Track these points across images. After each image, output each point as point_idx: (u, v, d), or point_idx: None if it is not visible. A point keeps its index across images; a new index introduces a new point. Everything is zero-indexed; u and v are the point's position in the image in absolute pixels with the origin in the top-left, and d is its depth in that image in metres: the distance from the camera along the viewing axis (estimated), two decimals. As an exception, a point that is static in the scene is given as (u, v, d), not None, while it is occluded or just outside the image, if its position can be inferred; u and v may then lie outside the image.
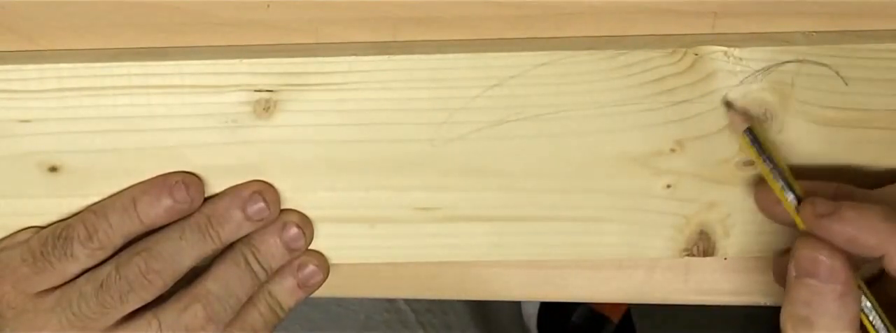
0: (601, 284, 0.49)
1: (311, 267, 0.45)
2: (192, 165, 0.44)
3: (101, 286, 0.42)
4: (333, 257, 0.46)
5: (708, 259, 0.46)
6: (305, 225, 0.45)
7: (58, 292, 0.42)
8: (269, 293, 0.45)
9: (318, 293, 0.46)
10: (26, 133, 0.43)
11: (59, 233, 0.43)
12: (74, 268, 0.42)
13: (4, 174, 0.43)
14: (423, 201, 0.45)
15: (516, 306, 0.89)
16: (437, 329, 0.70)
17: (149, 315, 0.43)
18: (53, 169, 0.43)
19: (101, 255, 0.42)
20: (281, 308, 0.45)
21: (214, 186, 0.44)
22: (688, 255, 0.46)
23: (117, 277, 0.42)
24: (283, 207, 0.45)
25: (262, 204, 0.43)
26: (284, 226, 0.44)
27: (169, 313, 0.43)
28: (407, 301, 0.69)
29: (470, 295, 0.49)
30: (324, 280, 0.45)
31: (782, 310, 0.39)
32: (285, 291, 0.45)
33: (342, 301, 0.65)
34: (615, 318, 1.04)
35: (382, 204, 0.45)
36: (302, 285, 0.45)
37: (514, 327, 0.84)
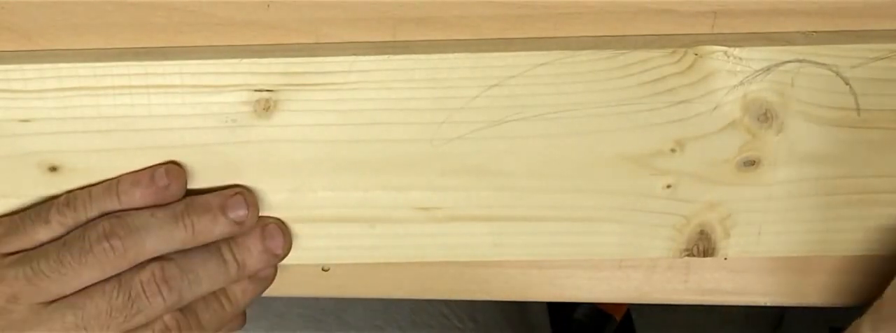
0: (601, 284, 0.49)
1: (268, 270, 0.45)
2: (191, 165, 0.44)
3: (64, 244, 0.42)
4: (333, 257, 0.46)
5: (708, 259, 0.46)
6: (286, 232, 0.45)
7: (22, 253, 0.43)
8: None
9: (318, 293, 0.46)
10: (26, 133, 0.43)
11: (41, 204, 0.44)
12: (44, 235, 0.43)
13: (4, 174, 0.43)
14: (423, 201, 0.45)
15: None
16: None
17: (113, 281, 0.43)
18: (53, 169, 0.43)
19: (72, 225, 0.43)
20: (230, 303, 0.45)
21: (214, 186, 0.44)
22: (688, 255, 0.46)
23: (80, 236, 0.42)
24: (282, 207, 0.45)
25: (241, 203, 0.43)
26: (265, 228, 0.44)
27: (127, 273, 0.43)
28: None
29: (470, 295, 0.49)
30: (272, 278, 0.45)
31: None
32: (238, 287, 0.45)
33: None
34: (618, 316, 1.04)
35: (382, 204, 0.45)
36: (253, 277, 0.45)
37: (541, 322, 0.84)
